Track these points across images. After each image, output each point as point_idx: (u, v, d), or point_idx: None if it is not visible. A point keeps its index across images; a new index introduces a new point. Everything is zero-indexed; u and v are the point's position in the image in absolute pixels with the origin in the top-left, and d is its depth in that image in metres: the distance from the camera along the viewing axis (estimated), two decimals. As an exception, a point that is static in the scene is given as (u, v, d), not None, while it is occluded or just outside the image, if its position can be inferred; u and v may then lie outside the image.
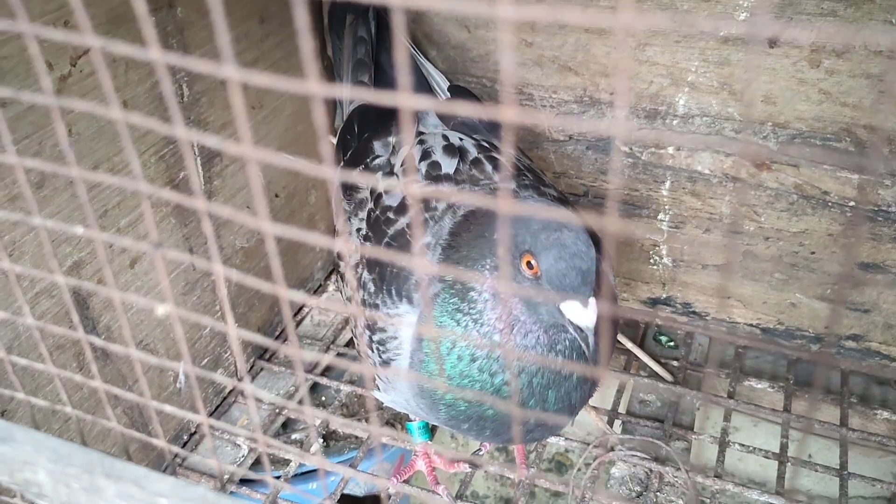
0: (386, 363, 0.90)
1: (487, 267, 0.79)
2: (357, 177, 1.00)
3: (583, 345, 0.73)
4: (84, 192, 0.42)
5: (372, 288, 0.91)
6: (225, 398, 1.20)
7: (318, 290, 1.40)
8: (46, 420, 0.88)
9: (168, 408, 0.49)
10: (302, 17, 0.29)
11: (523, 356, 0.79)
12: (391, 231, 0.91)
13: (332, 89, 0.32)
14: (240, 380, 1.22)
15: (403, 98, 0.31)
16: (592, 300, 0.72)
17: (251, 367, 1.26)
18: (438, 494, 1.05)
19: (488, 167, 0.96)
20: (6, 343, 0.83)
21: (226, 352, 1.19)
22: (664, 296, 1.33)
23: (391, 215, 0.93)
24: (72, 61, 0.84)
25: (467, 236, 0.82)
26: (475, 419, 0.85)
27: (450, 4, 0.29)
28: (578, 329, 0.72)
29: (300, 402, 1.18)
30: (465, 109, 0.33)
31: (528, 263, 0.74)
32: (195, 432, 1.15)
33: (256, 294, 1.23)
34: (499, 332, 0.79)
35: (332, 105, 1.22)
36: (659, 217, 1.24)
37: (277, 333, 1.31)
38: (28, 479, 0.50)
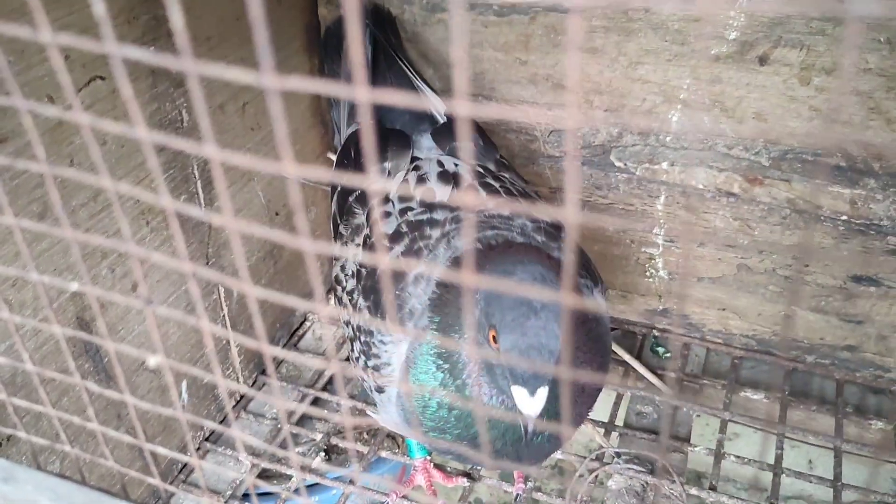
0: (380, 388, 0.92)
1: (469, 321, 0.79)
2: (339, 251, 1.01)
3: (522, 429, 0.72)
4: (77, 250, 0.44)
5: (367, 315, 0.93)
6: (227, 414, 1.22)
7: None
8: (46, 448, 0.90)
9: (161, 449, 0.51)
10: (277, 107, 0.31)
11: (491, 413, 0.79)
12: (387, 258, 0.92)
13: (304, 170, 0.33)
14: (226, 423, 1.24)
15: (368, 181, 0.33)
16: (542, 390, 0.70)
17: (253, 383, 1.28)
18: (436, 509, 1.06)
19: (483, 194, 0.98)
20: (6, 376, 0.84)
21: (227, 368, 1.21)
22: (661, 308, 1.34)
23: (385, 242, 0.95)
24: (77, 90, 0.86)
25: (454, 293, 0.82)
26: (456, 454, 0.87)
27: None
28: (521, 414, 0.71)
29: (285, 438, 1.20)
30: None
31: (494, 338, 0.73)
32: (199, 448, 1.17)
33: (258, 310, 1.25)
34: (475, 386, 0.80)
35: (331, 128, 1.23)
36: (654, 231, 1.26)
37: (281, 347, 1.33)
38: (29, 518, 0.52)
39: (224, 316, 1.17)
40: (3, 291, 0.82)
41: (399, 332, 0.87)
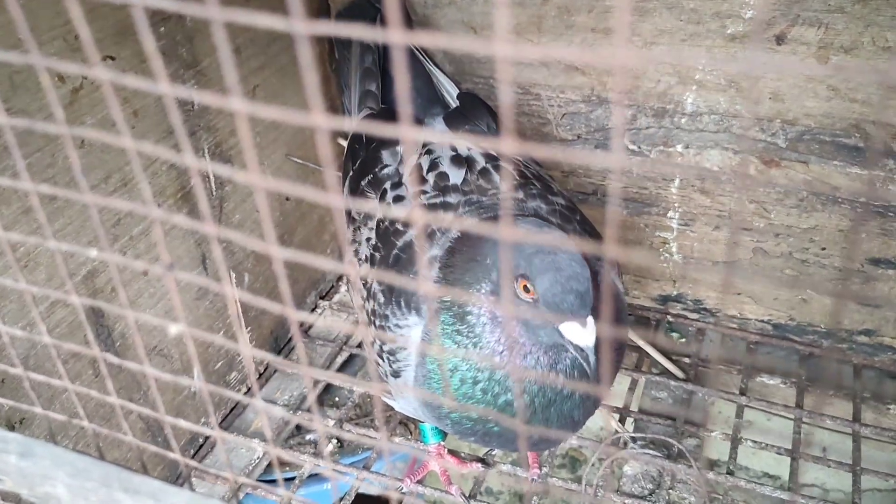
0: (396, 373, 0.91)
1: (483, 291, 0.79)
2: (364, 205, 1.00)
3: (584, 363, 0.73)
4: (96, 214, 0.43)
5: (381, 299, 0.92)
6: (240, 398, 1.21)
7: (329, 291, 1.41)
8: (63, 427, 0.89)
9: (183, 423, 0.50)
10: (306, 54, 0.30)
11: (525, 376, 0.80)
12: (400, 242, 0.91)
13: (336, 121, 0.32)
14: (250, 393, 1.23)
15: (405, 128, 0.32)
16: (591, 319, 0.73)
17: (265, 370, 1.27)
18: (451, 494, 1.05)
19: (496, 177, 0.96)
20: (22, 353, 0.84)
21: (238, 354, 1.20)
22: (675, 293, 1.33)
23: (399, 226, 0.94)
24: (83, 75, 0.85)
25: (461, 258, 0.83)
26: (481, 434, 0.86)
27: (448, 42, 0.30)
28: (579, 349, 0.73)
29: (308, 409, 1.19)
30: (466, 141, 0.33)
31: (525, 287, 0.74)
32: (209, 437, 1.16)
33: (269, 297, 1.24)
34: (498, 354, 0.80)
35: (342, 114, 1.22)
36: (668, 215, 1.24)
37: (289, 339, 1.32)
38: (48, 493, 0.51)
39: (236, 301, 1.16)
40: (14, 273, 0.81)
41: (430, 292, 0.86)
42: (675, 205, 1.23)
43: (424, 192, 0.96)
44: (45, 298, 0.86)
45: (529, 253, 0.74)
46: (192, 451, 1.13)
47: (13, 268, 0.80)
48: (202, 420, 1.15)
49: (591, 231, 0.97)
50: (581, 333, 0.73)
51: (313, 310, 1.37)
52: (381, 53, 1.15)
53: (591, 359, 0.73)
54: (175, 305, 0.42)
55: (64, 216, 0.86)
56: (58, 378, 0.50)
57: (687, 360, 1.29)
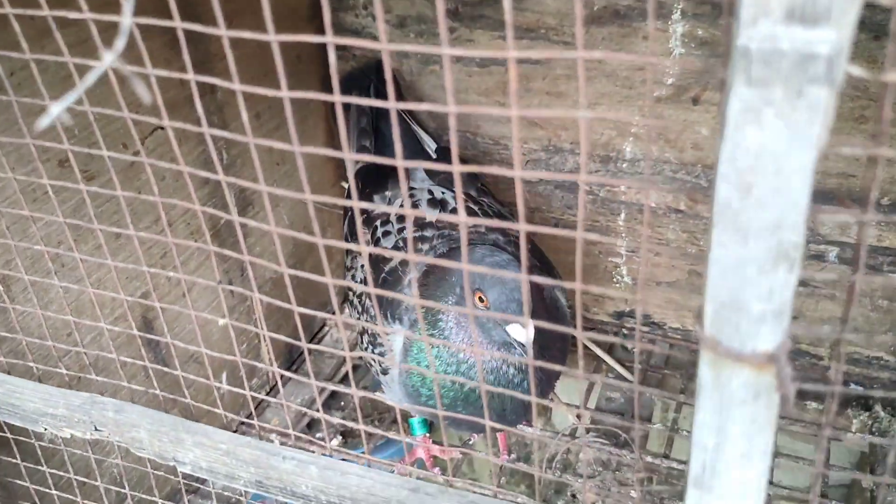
0: (385, 371, 1.15)
1: (450, 301, 1.03)
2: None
3: (524, 353, 0.97)
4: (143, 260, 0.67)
5: (373, 312, 1.16)
6: (259, 402, 1.45)
7: (332, 314, 1.65)
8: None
9: (218, 409, 0.74)
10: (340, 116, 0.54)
11: (482, 368, 1.04)
12: (387, 268, 1.16)
13: (357, 156, 0.57)
14: (272, 389, 1.47)
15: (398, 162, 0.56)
16: (530, 322, 0.96)
17: (280, 377, 1.51)
18: (434, 475, 1.29)
19: (464, 215, 1.21)
20: (92, 357, 1.09)
21: (259, 364, 1.44)
22: (628, 309, 1.56)
23: (386, 255, 1.19)
24: (141, 140, 1.11)
25: (434, 278, 1.07)
26: (450, 419, 1.10)
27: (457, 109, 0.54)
28: (520, 344, 0.96)
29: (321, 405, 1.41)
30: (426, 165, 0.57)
31: (480, 298, 0.98)
32: (235, 430, 1.40)
33: (283, 317, 1.49)
34: (462, 352, 1.04)
35: (342, 163, 1.48)
36: (618, 243, 1.48)
37: (301, 351, 1.56)
38: (133, 437, 0.75)
39: (258, 318, 1.41)
40: (91, 295, 1.06)
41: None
42: (623, 234, 1.47)
43: (404, 229, 1.21)
44: (111, 313, 1.11)
45: (483, 273, 0.98)
46: (221, 443, 1.37)
47: (88, 289, 1.06)
48: (227, 418, 1.39)
49: (539, 256, 1.21)
50: (521, 332, 0.96)
51: (321, 327, 1.62)
52: (374, 116, 1.40)
53: (530, 352, 0.96)
54: (223, 306, 0.66)
55: (125, 251, 1.11)
56: (117, 378, 0.74)
57: (638, 366, 1.52)
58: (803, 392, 1.50)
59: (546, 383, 1.12)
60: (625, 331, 1.58)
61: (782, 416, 1.40)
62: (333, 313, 1.67)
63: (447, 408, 1.08)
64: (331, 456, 0.69)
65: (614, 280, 1.53)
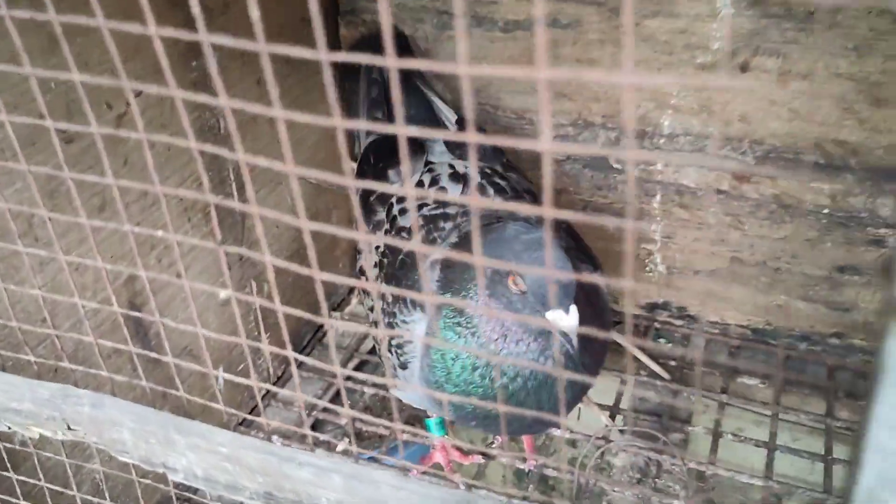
0: (403, 364, 1.02)
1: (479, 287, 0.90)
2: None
3: (567, 346, 0.83)
4: (168, 206, 0.54)
5: (390, 298, 1.03)
6: (258, 403, 1.32)
7: (341, 304, 1.52)
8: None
9: (215, 405, 0.61)
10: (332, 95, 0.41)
11: (517, 362, 0.90)
12: (405, 249, 1.02)
13: (352, 123, 0.44)
14: (276, 381, 1.33)
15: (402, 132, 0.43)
16: (573, 308, 0.82)
17: (282, 374, 1.38)
18: (454, 482, 1.15)
19: (490, 192, 1.08)
20: (71, 348, 0.95)
21: (259, 358, 1.31)
22: (661, 300, 1.43)
23: (405, 235, 1.05)
24: (127, 102, 0.98)
25: (457, 271, 0.94)
26: (481, 418, 0.96)
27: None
28: (563, 333, 0.83)
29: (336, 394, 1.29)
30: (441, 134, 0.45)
31: (514, 281, 0.85)
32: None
33: (291, 298, 1.35)
34: (493, 343, 0.91)
35: (351, 138, 1.35)
36: (652, 227, 1.36)
37: (305, 343, 1.43)
38: (114, 439, 0.62)
39: (256, 309, 1.28)
40: (69, 274, 0.92)
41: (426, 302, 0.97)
42: (658, 218, 1.34)
43: (426, 205, 1.08)
44: (93, 297, 0.97)
45: (518, 250, 0.85)
46: (216, 446, 1.24)
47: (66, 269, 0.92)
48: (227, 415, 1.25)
49: (576, 237, 1.08)
50: (564, 319, 0.83)
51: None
52: (386, 84, 1.27)
53: (574, 341, 0.83)
54: (225, 274, 0.53)
55: (106, 230, 0.98)
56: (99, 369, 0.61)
57: (673, 362, 1.39)
58: (855, 392, 1.37)
59: (594, 366, 0.99)
60: (657, 324, 1.46)
61: (833, 416, 1.28)
62: (336, 308, 1.53)
63: (475, 407, 0.95)
64: (356, 461, 0.56)
65: (646, 268, 1.40)
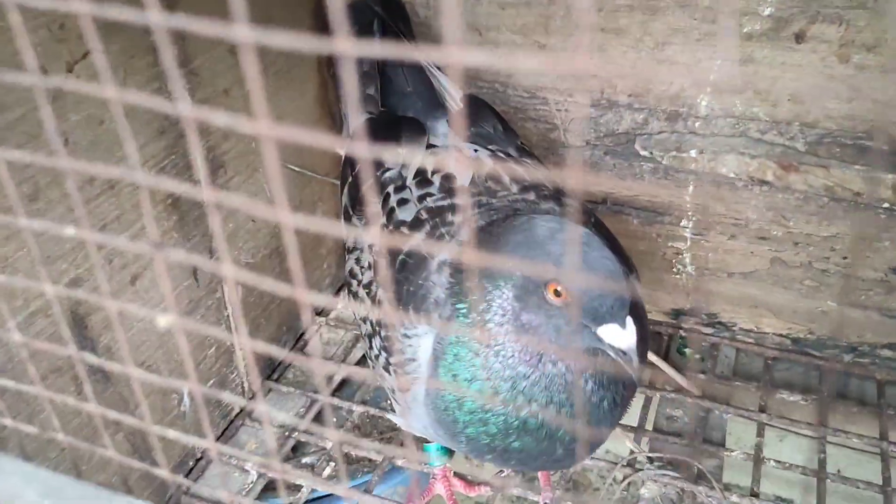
0: (404, 387, 0.85)
1: (505, 296, 0.73)
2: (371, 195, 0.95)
3: (627, 367, 0.68)
4: (79, 201, 0.37)
5: (388, 307, 0.85)
6: (232, 421, 1.14)
7: (324, 310, 1.35)
8: (41, 450, 0.82)
9: (171, 433, 0.43)
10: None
11: (552, 386, 0.74)
12: (406, 247, 0.85)
13: (363, 48, 0.27)
14: (252, 398, 1.16)
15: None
16: (630, 321, 0.67)
17: (262, 385, 1.20)
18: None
19: (505, 178, 0.91)
20: (-1, 366, 0.78)
21: (232, 372, 1.13)
22: (688, 306, 1.27)
23: (405, 230, 0.88)
24: (68, 66, 0.80)
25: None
26: (499, 451, 0.79)
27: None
28: (620, 352, 0.67)
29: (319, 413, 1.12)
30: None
31: (556, 291, 0.69)
32: (201, 458, 1.09)
33: (263, 312, 1.18)
34: (525, 363, 0.74)
35: (339, 120, 1.18)
36: (682, 224, 1.19)
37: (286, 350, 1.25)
38: (15, 517, 0.44)
39: (228, 316, 1.10)
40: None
41: (423, 324, 0.80)
42: (689, 213, 1.18)
43: (430, 195, 0.91)
44: (25, 306, 0.79)
45: (557, 253, 0.69)
46: (182, 475, 1.06)
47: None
48: (191, 443, 1.08)
49: (605, 234, 0.92)
50: (622, 336, 0.67)
51: (304, 332, 1.31)
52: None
53: (635, 362, 0.67)
54: (164, 290, 0.36)
55: (45, 217, 0.80)
56: (29, 383, 0.44)
57: (702, 376, 1.23)
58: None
59: (628, 400, 0.83)
60: (682, 332, 1.29)
61: (888, 440, 1.12)
62: (320, 313, 1.36)
63: (494, 438, 0.78)
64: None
65: (674, 270, 1.24)
